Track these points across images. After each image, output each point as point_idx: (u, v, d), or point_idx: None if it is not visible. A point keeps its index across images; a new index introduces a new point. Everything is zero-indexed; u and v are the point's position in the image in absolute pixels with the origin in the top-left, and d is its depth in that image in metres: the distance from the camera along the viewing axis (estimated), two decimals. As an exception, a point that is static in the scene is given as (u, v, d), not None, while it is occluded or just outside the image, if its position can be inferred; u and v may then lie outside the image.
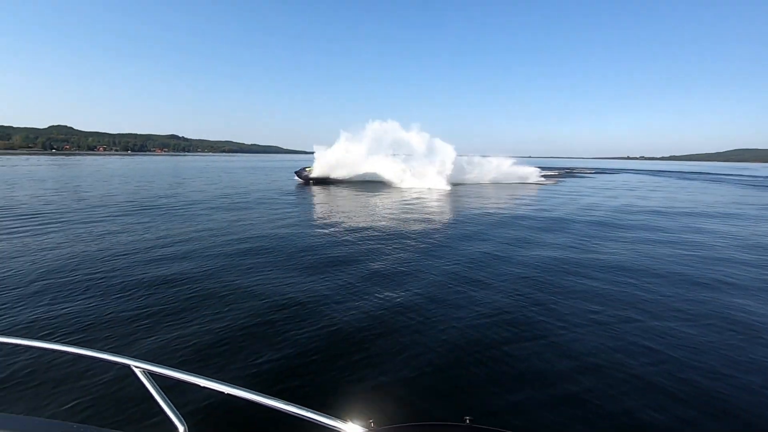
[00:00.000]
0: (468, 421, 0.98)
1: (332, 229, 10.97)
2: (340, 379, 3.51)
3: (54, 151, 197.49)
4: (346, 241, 9.51)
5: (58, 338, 3.89)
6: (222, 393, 1.06)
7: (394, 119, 29.84)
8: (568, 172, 52.77)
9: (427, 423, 1.05)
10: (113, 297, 5.38)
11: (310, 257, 7.83)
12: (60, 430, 1.15)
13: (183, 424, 1.04)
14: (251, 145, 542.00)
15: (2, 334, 1.30)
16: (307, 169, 28.38)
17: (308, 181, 27.25)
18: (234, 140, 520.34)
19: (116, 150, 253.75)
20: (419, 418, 2.89)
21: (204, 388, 1.07)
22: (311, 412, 1.01)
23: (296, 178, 28.78)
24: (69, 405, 2.82)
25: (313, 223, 12.25)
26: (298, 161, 64.37)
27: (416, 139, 28.80)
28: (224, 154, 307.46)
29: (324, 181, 27.50)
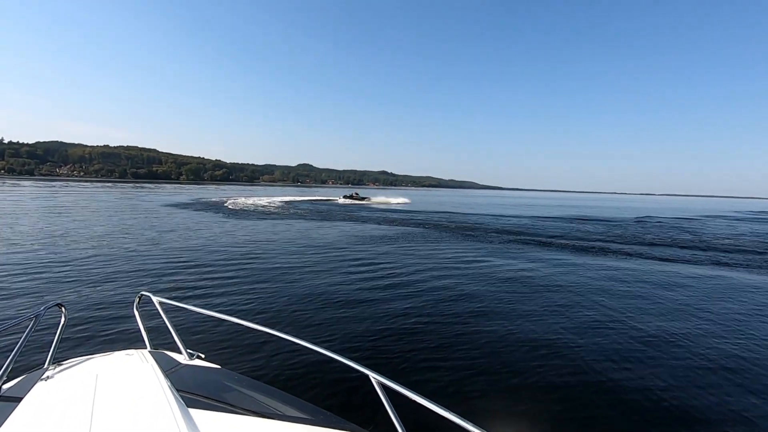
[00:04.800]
0: None
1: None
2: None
3: (299, 183, 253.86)
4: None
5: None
6: (444, 417, 1.08)
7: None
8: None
9: None
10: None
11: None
12: (299, 405, 1.33)
13: None
14: (449, 180, 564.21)
15: (289, 333, 1.53)
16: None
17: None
18: (434, 175, 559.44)
19: (341, 183, 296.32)
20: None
21: (428, 408, 1.11)
22: None
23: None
24: (314, 391, 3.30)
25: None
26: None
27: None
28: (424, 188, 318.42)
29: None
